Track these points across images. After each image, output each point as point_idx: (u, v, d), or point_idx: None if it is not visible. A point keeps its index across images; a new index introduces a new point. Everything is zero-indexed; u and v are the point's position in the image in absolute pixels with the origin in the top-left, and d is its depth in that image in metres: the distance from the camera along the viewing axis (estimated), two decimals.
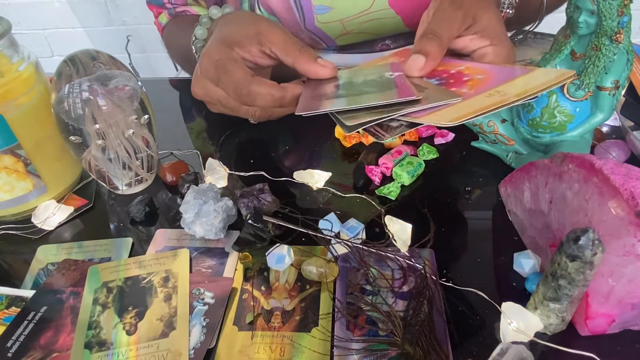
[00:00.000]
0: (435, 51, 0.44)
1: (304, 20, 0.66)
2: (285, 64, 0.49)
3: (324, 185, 0.52)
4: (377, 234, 0.46)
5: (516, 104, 0.37)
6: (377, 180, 0.52)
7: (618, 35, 0.42)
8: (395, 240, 0.44)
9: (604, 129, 0.57)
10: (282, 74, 0.52)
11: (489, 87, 0.40)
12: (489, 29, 0.45)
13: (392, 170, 0.53)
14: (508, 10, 0.55)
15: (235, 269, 0.44)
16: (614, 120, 0.57)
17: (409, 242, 0.43)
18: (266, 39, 0.48)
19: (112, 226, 0.51)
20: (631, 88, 0.56)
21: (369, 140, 0.58)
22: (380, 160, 0.54)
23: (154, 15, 0.74)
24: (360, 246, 0.43)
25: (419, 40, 0.45)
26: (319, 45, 0.73)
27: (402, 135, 0.56)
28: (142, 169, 0.52)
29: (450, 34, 0.45)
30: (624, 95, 0.54)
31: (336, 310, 0.39)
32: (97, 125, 0.47)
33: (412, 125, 0.39)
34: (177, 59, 0.77)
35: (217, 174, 0.53)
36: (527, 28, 0.65)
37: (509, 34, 0.52)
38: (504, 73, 0.42)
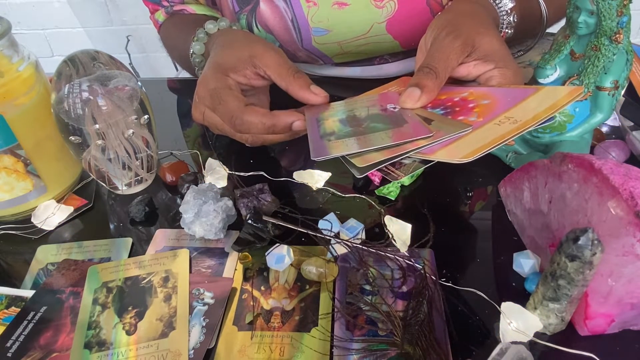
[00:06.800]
0: (431, 85, 0.44)
1: (301, 40, 0.66)
2: (278, 86, 0.50)
3: (323, 186, 0.52)
4: (376, 234, 0.46)
5: (529, 129, 0.37)
6: (376, 180, 0.52)
7: (617, 36, 0.42)
8: (394, 241, 0.44)
9: (604, 129, 0.57)
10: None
11: (497, 113, 0.39)
12: (491, 53, 0.45)
13: None
14: (507, 30, 0.55)
15: (235, 269, 0.44)
16: (614, 121, 0.57)
17: (408, 242, 0.43)
18: (260, 62, 0.50)
19: (111, 226, 0.51)
20: (631, 88, 0.56)
21: None
22: None
23: (149, 11, 0.74)
24: (360, 246, 0.43)
25: (415, 74, 0.45)
26: (316, 62, 0.73)
27: None
28: (142, 169, 0.52)
29: (448, 65, 0.45)
30: (623, 96, 0.54)
31: (336, 310, 0.39)
32: (97, 126, 0.47)
33: (426, 162, 0.39)
34: (176, 59, 0.77)
35: (216, 174, 0.53)
36: (527, 44, 0.65)
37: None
38: (509, 96, 0.41)
